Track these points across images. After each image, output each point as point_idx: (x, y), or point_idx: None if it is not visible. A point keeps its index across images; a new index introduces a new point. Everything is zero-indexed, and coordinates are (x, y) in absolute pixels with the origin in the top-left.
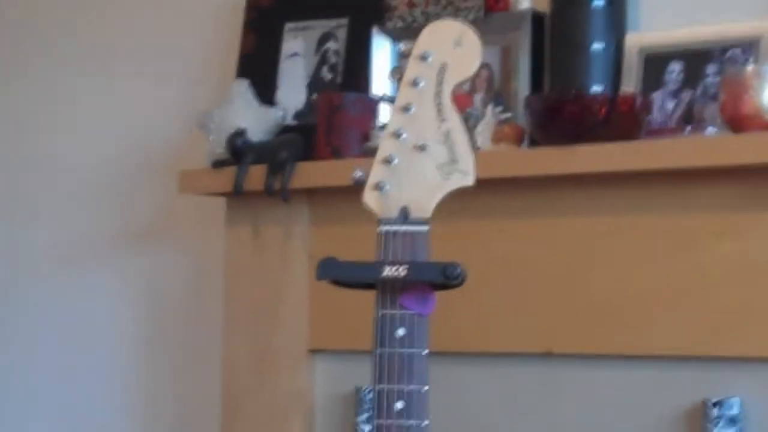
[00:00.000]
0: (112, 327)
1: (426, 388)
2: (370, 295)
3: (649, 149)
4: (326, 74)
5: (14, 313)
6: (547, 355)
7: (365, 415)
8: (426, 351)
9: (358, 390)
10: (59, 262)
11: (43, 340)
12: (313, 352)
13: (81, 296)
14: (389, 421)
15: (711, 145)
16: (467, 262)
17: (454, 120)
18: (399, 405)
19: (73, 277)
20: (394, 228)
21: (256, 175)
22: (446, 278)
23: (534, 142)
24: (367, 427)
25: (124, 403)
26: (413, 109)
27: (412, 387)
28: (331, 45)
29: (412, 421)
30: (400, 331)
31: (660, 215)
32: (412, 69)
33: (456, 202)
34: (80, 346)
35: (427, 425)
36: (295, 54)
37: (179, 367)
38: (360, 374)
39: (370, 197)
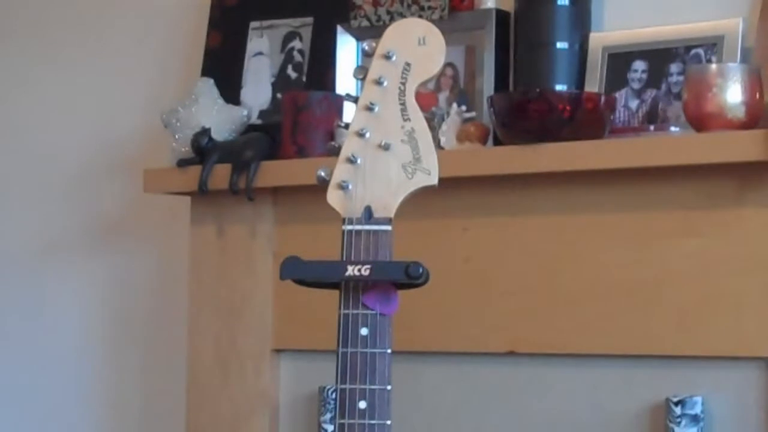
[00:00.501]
0: (77, 324)
1: (389, 387)
2: (334, 295)
3: (613, 148)
4: (291, 73)
5: None
6: (511, 354)
7: (329, 415)
8: (389, 350)
9: (321, 390)
10: (23, 259)
11: (6, 335)
12: (278, 351)
13: (45, 293)
14: (352, 421)
15: (674, 144)
16: (431, 262)
17: (417, 119)
18: (362, 404)
19: (38, 274)
20: (358, 227)
21: (221, 174)
22: (409, 277)
23: (498, 141)
24: (330, 427)
25: (90, 399)
26: (377, 108)
27: (375, 386)
28: (296, 44)
29: (374, 421)
30: (363, 331)
31: (623, 214)
32: (375, 68)
33: (420, 201)
34: (44, 342)
35: (389, 425)
36: (259, 53)
37: (145, 364)
38: (324, 374)
39: (333, 196)
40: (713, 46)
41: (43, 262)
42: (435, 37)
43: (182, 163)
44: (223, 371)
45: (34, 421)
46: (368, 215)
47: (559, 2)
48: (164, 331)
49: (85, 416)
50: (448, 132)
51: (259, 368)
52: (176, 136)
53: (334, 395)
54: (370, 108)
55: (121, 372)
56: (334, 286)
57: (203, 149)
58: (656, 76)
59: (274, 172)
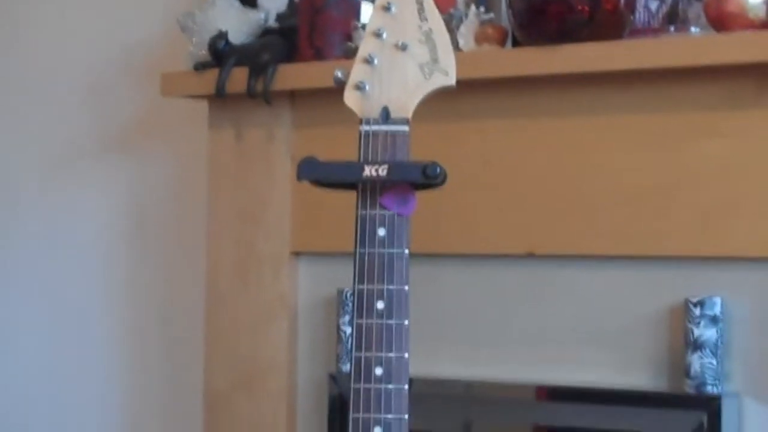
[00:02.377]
0: (98, 227)
1: (407, 287)
2: (351, 197)
3: (633, 49)
4: None
5: None
6: (529, 257)
7: (347, 317)
8: (407, 251)
9: (340, 292)
10: (44, 164)
11: (30, 238)
12: (296, 254)
13: (66, 197)
14: (370, 321)
15: (695, 45)
16: (448, 163)
17: (435, 19)
18: (380, 305)
19: (58, 178)
20: (375, 128)
21: (238, 78)
22: (426, 178)
23: (517, 43)
24: (348, 329)
25: (107, 301)
26: (394, 9)
27: (392, 287)
28: None
29: (392, 321)
30: (381, 232)
31: (642, 115)
32: None
33: (437, 103)
34: (65, 245)
35: (407, 325)
36: None
37: (165, 268)
38: (342, 277)
39: (350, 97)
40: None
41: (63, 166)
42: None
43: (199, 67)
44: (242, 275)
45: (58, 320)
46: (385, 116)
47: None
48: (183, 235)
49: (105, 315)
50: (466, 34)
51: (277, 272)
52: (193, 40)
53: (352, 297)
54: (387, 8)
55: (140, 275)
56: (351, 187)
57: (220, 53)
58: None
59: (291, 75)
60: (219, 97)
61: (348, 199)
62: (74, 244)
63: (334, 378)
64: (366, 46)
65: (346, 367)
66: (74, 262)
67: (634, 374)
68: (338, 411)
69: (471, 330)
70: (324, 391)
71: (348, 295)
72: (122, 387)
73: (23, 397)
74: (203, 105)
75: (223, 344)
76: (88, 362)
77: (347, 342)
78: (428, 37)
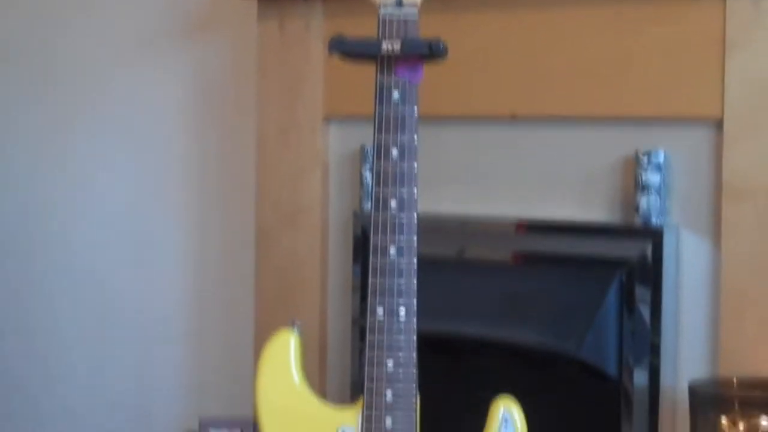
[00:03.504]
0: (166, 106)
1: (415, 137)
2: (371, 72)
3: None
4: None
5: (74, 100)
6: (513, 118)
7: (367, 165)
8: (416, 109)
9: (362, 148)
10: (122, 51)
11: (108, 116)
12: (327, 119)
13: (139, 81)
14: (387, 164)
15: None
16: (450, 44)
17: None
18: (394, 152)
19: (132, 65)
20: (390, 11)
21: None
22: (432, 51)
23: None
24: (369, 175)
25: (177, 168)
26: None
27: (404, 137)
28: None
29: (405, 163)
30: (395, 95)
31: (607, 6)
32: None
33: None
34: (139, 123)
35: (416, 167)
36: None
37: (222, 137)
38: (364, 136)
39: None
40: None
41: (137, 54)
42: None
43: None
44: (285, 136)
45: (137, 183)
46: (399, 3)
47: None
48: (239, 108)
49: (174, 184)
50: None
51: (313, 133)
52: None
53: (372, 149)
54: None
55: (204, 142)
56: (371, 59)
57: None
58: None
59: None
60: None
61: (368, 72)
62: (150, 117)
63: (357, 215)
64: None
65: (367, 206)
66: (151, 131)
67: (596, 211)
68: (361, 240)
69: (464, 177)
70: (349, 225)
71: (368, 149)
72: (187, 228)
73: (105, 254)
74: (254, 3)
75: (271, 190)
76: (161, 211)
77: (368, 186)
78: None
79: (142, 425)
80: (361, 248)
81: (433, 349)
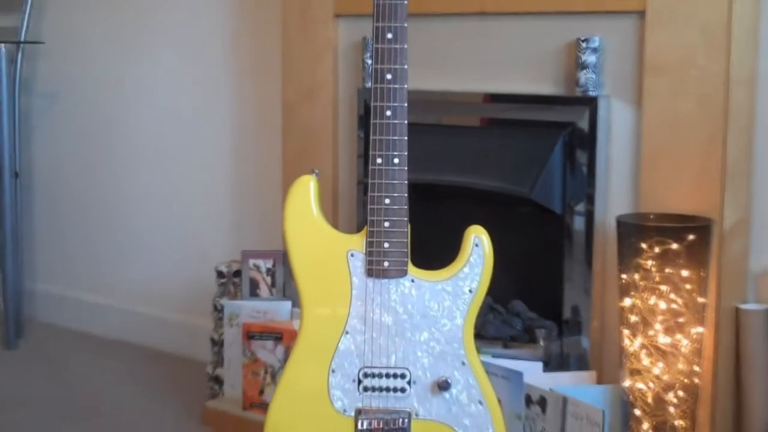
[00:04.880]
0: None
1: (405, 24)
2: None
3: None
4: None
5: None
6: (481, 13)
7: (368, 54)
8: (405, 2)
9: (364, 39)
10: None
11: (166, 13)
12: (337, 16)
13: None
14: (383, 46)
15: None
16: None
17: None
18: (389, 35)
19: None
20: None
21: None
22: None
23: None
24: (369, 61)
25: (221, 54)
26: None
27: (396, 24)
28: None
29: (397, 45)
30: None
31: None
32: None
33: None
34: (193, 16)
35: (406, 48)
36: None
37: (256, 32)
38: (366, 30)
39: None
40: None
41: None
42: None
43: None
44: (304, 28)
45: (186, 66)
46: None
47: None
48: (266, 10)
49: (219, 60)
50: None
51: (326, 26)
52: None
53: (372, 38)
54: None
55: (244, 33)
56: None
57: None
58: None
59: None
60: None
61: None
62: (197, 26)
63: (360, 91)
64: None
65: (368, 84)
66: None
67: (545, 84)
68: (363, 109)
69: (443, 60)
70: (354, 100)
71: (369, 40)
72: (230, 100)
73: (170, 125)
74: None
75: (293, 72)
76: (210, 86)
77: (368, 68)
78: None
79: (199, 256)
80: (363, 114)
81: (418, 194)
